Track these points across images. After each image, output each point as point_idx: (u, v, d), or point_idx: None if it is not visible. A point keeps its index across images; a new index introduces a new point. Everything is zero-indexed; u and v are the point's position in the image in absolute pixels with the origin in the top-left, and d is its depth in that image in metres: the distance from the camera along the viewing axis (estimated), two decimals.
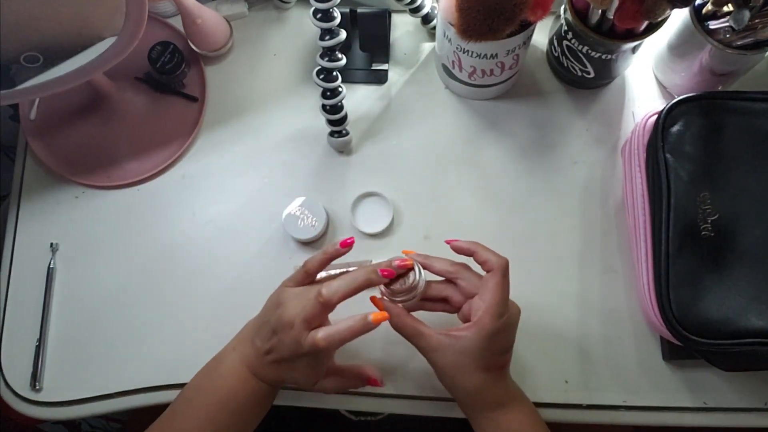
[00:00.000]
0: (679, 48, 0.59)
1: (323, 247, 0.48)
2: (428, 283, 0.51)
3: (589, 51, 0.57)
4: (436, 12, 0.66)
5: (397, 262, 0.48)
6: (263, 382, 0.50)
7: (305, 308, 0.45)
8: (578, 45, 0.58)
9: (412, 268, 0.50)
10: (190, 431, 0.48)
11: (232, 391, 0.49)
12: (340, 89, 0.59)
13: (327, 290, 0.45)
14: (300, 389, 0.59)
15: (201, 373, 0.52)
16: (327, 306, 0.45)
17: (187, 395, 0.51)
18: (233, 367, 0.50)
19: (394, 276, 0.48)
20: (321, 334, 0.44)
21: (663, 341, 0.58)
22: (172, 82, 0.67)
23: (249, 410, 0.50)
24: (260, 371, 0.49)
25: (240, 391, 0.49)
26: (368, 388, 0.59)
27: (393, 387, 0.59)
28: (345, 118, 0.62)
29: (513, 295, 0.61)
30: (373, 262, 0.61)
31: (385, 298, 0.50)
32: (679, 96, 0.56)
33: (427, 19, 0.67)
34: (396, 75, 0.68)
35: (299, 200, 0.62)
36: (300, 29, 0.70)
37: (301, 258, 0.62)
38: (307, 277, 0.50)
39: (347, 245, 0.49)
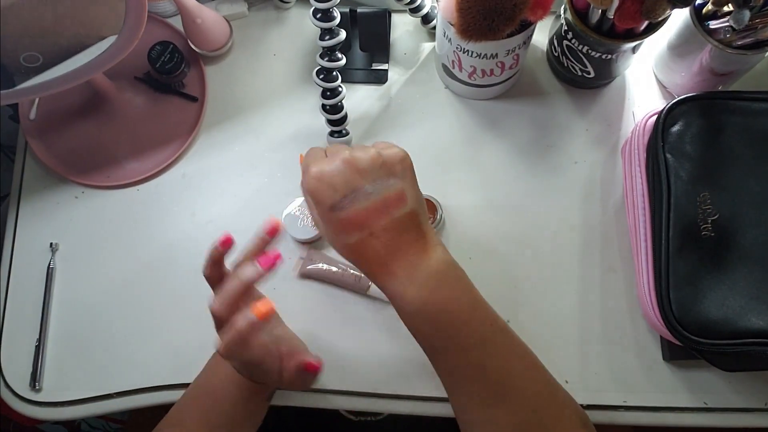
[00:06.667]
0: (680, 48, 0.59)
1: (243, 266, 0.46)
2: None
3: (589, 51, 0.57)
4: (435, 12, 0.66)
5: (266, 229, 0.47)
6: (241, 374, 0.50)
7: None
8: (578, 45, 0.58)
9: (436, 209, 0.59)
10: (188, 424, 0.50)
11: (220, 387, 0.50)
12: (340, 89, 0.59)
13: (216, 305, 0.44)
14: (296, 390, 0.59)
15: (201, 372, 0.53)
16: (222, 319, 0.45)
17: (186, 393, 0.53)
18: (218, 362, 0.51)
19: (274, 262, 0.45)
20: (218, 346, 0.45)
21: (663, 341, 0.58)
22: (171, 82, 0.67)
23: (239, 407, 0.50)
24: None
25: (226, 388, 0.50)
26: (368, 387, 0.59)
27: (393, 387, 0.59)
28: (345, 118, 0.62)
29: (512, 295, 0.61)
30: None
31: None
32: (679, 96, 0.56)
33: (427, 19, 0.67)
34: (396, 75, 0.68)
35: (299, 200, 0.62)
36: (300, 29, 0.70)
37: (300, 257, 0.62)
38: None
39: (228, 245, 0.47)
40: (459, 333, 0.43)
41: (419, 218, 0.44)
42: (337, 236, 0.43)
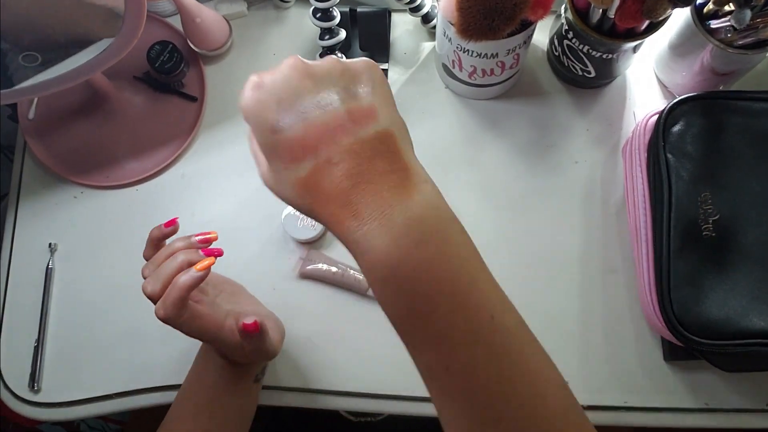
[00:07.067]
0: (680, 47, 0.59)
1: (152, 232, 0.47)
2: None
3: (590, 50, 0.57)
4: (436, 11, 0.66)
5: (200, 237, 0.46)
6: (221, 358, 0.51)
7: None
8: (579, 44, 0.58)
9: None
10: (185, 418, 0.51)
11: (208, 376, 0.51)
12: None
13: (150, 288, 0.43)
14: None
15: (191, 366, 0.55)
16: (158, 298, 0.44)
17: (180, 390, 0.54)
18: (203, 353, 0.53)
19: (216, 255, 0.44)
20: (157, 306, 0.43)
21: (664, 342, 0.58)
22: (171, 81, 0.67)
23: (229, 393, 0.51)
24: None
25: (213, 376, 0.51)
26: (367, 388, 0.59)
27: (393, 388, 0.59)
28: None
29: (512, 295, 0.61)
30: None
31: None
32: (680, 95, 0.56)
33: (427, 19, 0.67)
34: (396, 74, 0.68)
35: None
36: (300, 28, 0.70)
37: (300, 258, 0.62)
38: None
39: (171, 225, 0.47)
40: (445, 318, 0.30)
41: (397, 143, 0.32)
42: (285, 172, 0.32)
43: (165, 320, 0.43)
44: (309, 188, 0.31)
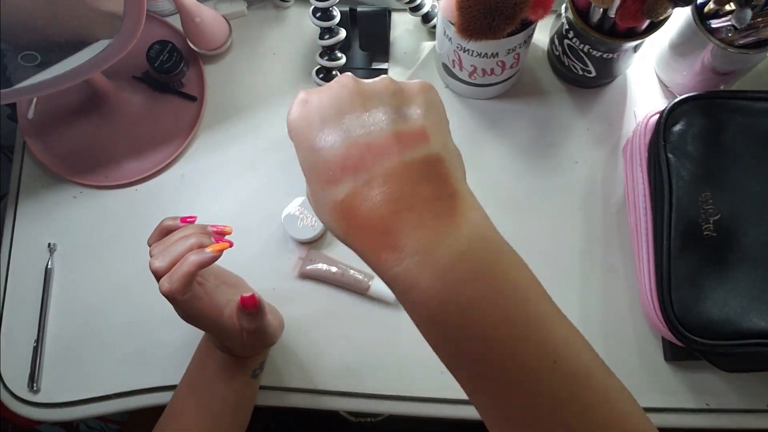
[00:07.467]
0: (681, 47, 0.59)
1: (163, 222, 0.48)
2: None
3: (591, 50, 0.57)
4: (436, 11, 0.66)
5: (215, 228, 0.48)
6: (219, 350, 0.52)
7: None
8: (579, 44, 0.57)
9: None
10: (186, 412, 0.52)
11: (206, 370, 0.52)
12: None
13: (158, 264, 0.44)
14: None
15: (190, 362, 0.56)
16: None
17: (180, 384, 0.54)
18: (203, 348, 0.54)
19: (225, 244, 0.45)
20: (162, 280, 0.44)
21: (664, 342, 0.58)
22: (170, 81, 0.67)
23: (226, 387, 0.52)
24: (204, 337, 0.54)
25: (212, 370, 0.52)
26: (367, 388, 0.58)
27: (392, 388, 0.59)
28: None
29: None
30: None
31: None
32: (680, 95, 0.56)
33: (427, 18, 0.67)
34: (396, 74, 0.68)
35: (299, 200, 0.61)
36: (299, 28, 0.70)
37: (299, 258, 0.62)
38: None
39: (187, 222, 0.48)
40: (500, 363, 0.27)
41: (446, 167, 0.29)
42: (322, 193, 0.29)
43: (168, 295, 0.43)
44: (344, 213, 0.28)
